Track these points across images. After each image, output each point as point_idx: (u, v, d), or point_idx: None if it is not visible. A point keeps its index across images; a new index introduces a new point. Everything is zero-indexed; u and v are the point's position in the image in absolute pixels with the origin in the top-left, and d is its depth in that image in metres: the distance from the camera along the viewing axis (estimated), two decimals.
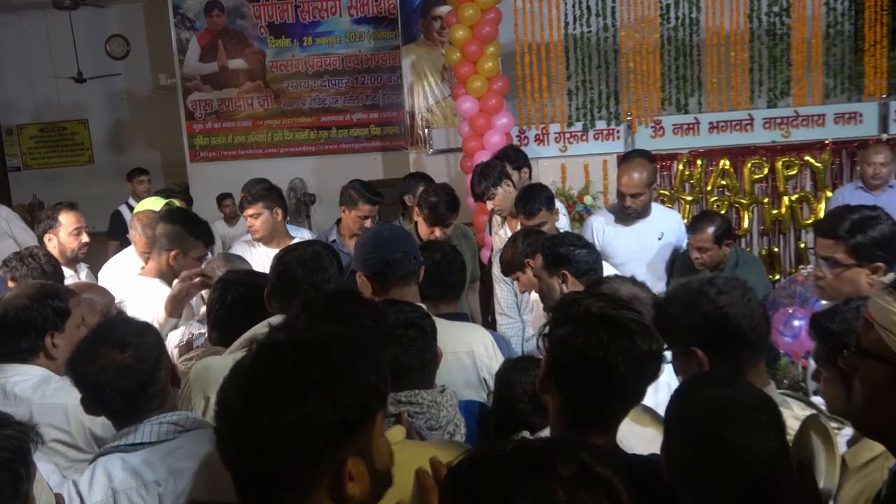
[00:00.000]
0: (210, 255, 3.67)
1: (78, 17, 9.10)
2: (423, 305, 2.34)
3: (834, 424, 1.73)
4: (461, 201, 4.26)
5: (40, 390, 2.24)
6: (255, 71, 8.42)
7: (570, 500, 1.00)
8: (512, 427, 2.14)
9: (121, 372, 1.78)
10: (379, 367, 1.16)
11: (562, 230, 3.78)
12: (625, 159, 4.94)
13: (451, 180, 5.88)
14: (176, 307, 3.17)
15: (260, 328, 2.22)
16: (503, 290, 3.92)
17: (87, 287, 3.02)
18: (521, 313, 3.91)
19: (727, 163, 6.28)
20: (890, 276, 2.16)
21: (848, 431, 1.77)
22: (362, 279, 2.59)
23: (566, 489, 1.01)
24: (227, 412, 1.12)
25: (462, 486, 1.07)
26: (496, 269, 3.84)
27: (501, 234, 4.34)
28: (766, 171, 6.26)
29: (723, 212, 6.01)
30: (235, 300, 2.50)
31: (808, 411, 1.86)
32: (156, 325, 3.11)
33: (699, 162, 6.32)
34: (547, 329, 1.62)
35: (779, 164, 6.22)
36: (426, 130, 7.33)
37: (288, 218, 4.43)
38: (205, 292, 3.21)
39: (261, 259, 3.86)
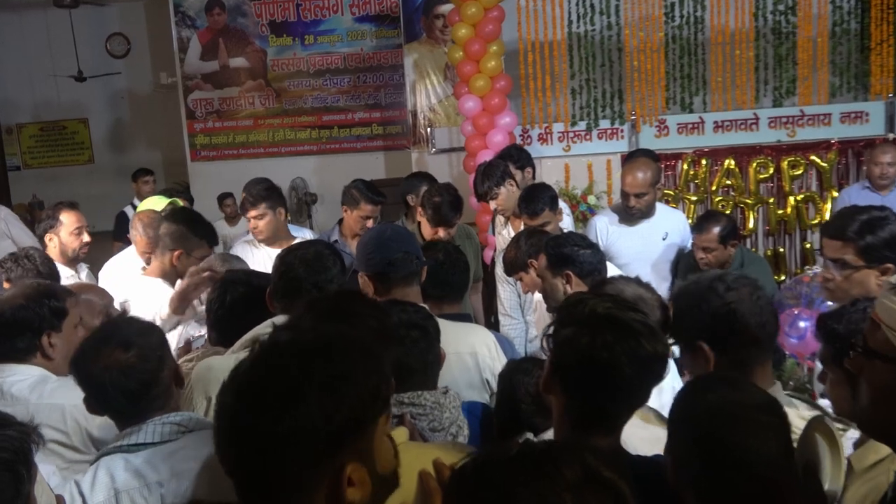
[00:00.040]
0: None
1: (78, 15, 9.11)
2: (426, 306, 2.35)
3: (839, 426, 1.73)
4: (464, 201, 4.26)
5: (37, 390, 2.25)
6: (256, 70, 8.42)
7: None
8: (515, 428, 2.14)
9: (124, 372, 1.79)
10: (381, 369, 1.15)
11: (565, 230, 3.78)
12: (629, 159, 4.94)
13: (454, 180, 5.88)
14: (181, 304, 3.17)
15: (262, 328, 2.23)
16: (506, 290, 3.92)
17: (86, 288, 3.02)
18: (525, 314, 3.91)
19: (732, 162, 6.28)
20: None
21: (854, 434, 1.77)
22: (364, 279, 2.59)
23: (571, 493, 1.00)
24: (227, 413, 1.12)
25: (466, 489, 1.07)
26: (499, 270, 3.84)
27: (504, 234, 4.34)
28: (771, 170, 6.25)
29: (728, 212, 6.00)
30: (235, 300, 2.50)
31: (814, 412, 1.86)
32: (158, 321, 3.13)
33: (704, 161, 6.31)
34: (551, 329, 1.62)
35: (784, 164, 6.22)
36: (428, 130, 7.34)
37: (289, 218, 4.43)
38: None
39: (263, 259, 3.86)
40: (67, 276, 3.87)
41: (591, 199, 6.39)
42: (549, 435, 1.84)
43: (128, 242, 4.16)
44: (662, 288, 4.08)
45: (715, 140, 6.34)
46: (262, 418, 1.06)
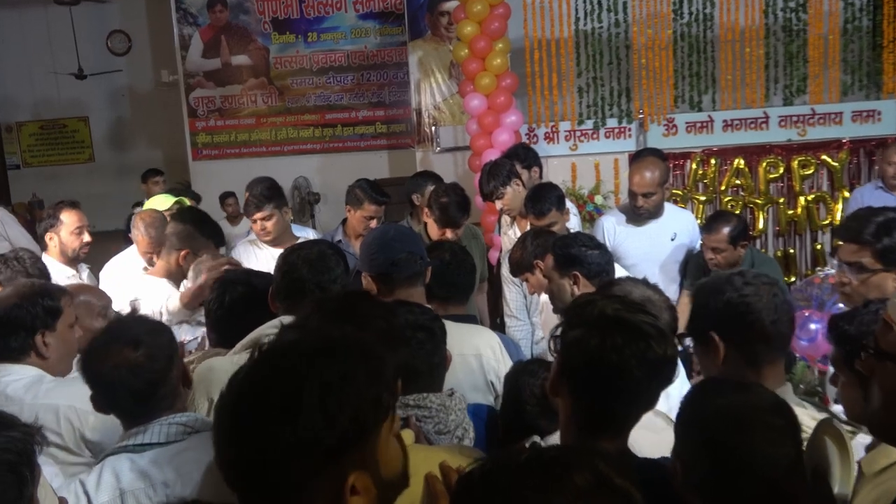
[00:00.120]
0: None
1: (79, 12, 9.15)
2: (431, 307, 2.35)
3: (848, 428, 1.73)
4: (471, 201, 4.26)
5: (32, 390, 2.25)
6: (258, 67, 8.44)
7: None
8: (520, 431, 2.14)
9: (133, 371, 1.80)
10: (383, 376, 1.14)
11: (572, 230, 3.79)
12: (636, 158, 4.93)
13: (459, 179, 5.89)
14: (195, 299, 3.18)
15: (264, 329, 2.23)
16: (512, 291, 3.93)
17: (83, 289, 3.03)
18: (531, 315, 3.92)
19: (741, 162, 6.27)
20: None
21: (866, 438, 1.78)
22: (367, 280, 2.60)
23: (583, 500, 0.99)
24: (227, 415, 1.12)
25: (473, 496, 1.06)
26: (505, 271, 3.85)
27: (511, 234, 4.35)
28: (781, 170, 6.24)
29: (737, 212, 5.99)
30: (234, 300, 2.50)
31: (823, 415, 1.87)
32: (164, 314, 3.14)
33: (713, 161, 6.31)
34: (559, 331, 1.62)
35: (795, 164, 6.21)
36: (433, 128, 7.34)
37: (292, 218, 4.44)
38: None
39: (266, 260, 3.86)
40: (68, 276, 3.88)
41: (598, 199, 6.39)
42: (554, 437, 1.85)
43: None
44: (671, 289, 4.09)
45: (724, 139, 6.33)
46: (261, 425, 1.06)
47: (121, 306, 3.15)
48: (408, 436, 1.68)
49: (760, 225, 6.30)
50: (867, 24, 6.20)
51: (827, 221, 6.19)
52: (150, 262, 3.79)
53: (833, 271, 3.59)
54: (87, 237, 4.05)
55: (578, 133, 6.50)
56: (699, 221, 4.85)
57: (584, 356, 1.52)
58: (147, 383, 1.81)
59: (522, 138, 6.14)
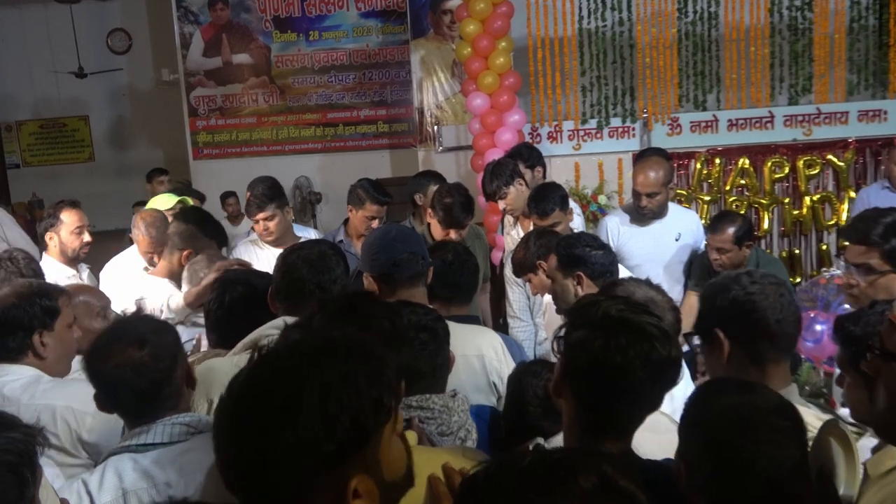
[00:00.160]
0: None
1: (79, 10, 9.17)
2: (433, 307, 2.35)
3: (853, 429, 1.73)
4: (475, 201, 4.26)
5: (29, 391, 2.26)
6: (259, 66, 8.45)
7: None
8: (523, 432, 2.14)
9: (137, 370, 1.80)
10: (384, 377, 1.14)
11: (576, 231, 3.79)
12: (640, 158, 4.94)
13: (462, 179, 5.89)
14: (199, 298, 3.18)
15: (264, 330, 2.23)
16: (515, 292, 3.92)
17: (82, 289, 3.03)
18: (534, 316, 3.92)
19: (746, 161, 6.27)
20: None
21: (872, 440, 1.78)
22: (369, 280, 2.60)
23: (587, 503, 0.99)
24: (221, 429, 1.12)
25: (477, 499, 1.05)
26: (508, 271, 3.85)
27: (514, 234, 4.35)
28: (786, 170, 6.25)
29: (742, 212, 5.99)
30: (234, 300, 2.51)
31: (828, 416, 1.87)
32: (165, 311, 3.14)
33: (717, 161, 6.31)
34: (562, 332, 1.63)
35: (800, 163, 6.21)
36: (435, 127, 7.35)
37: (293, 217, 4.44)
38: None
39: (268, 260, 3.86)
40: (68, 276, 3.88)
41: (602, 199, 6.39)
42: (558, 438, 1.85)
43: None
44: (675, 290, 4.09)
45: (729, 139, 6.34)
46: (261, 427, 1.06)
47: (121, 306, 3.16)
48: (411, 437, 1.68)
49: (765, 225, 6.30)
50: (873, 22, 6.20)
51: (832, 222, 6.20)
52: (151, 262, 3.80)
53: (838, 272, 3.59)
54: (87, 237, 4.05)
55: (582, 132, 6.51)
56: (704, 222, 4.84)
57: (588, 357, 1.53)
58: (151, 383, 1.82)
59: (525, 138, 6.14)
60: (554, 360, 1.72)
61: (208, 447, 1.77)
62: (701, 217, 5.65)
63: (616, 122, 6.49)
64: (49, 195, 8.76)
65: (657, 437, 1.76)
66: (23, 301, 2.34)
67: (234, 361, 2.18)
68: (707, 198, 6.33)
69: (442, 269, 2.73)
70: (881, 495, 1.53)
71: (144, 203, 6.56)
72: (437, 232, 4.01)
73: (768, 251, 6.11)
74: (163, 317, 3.11)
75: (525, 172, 4.38)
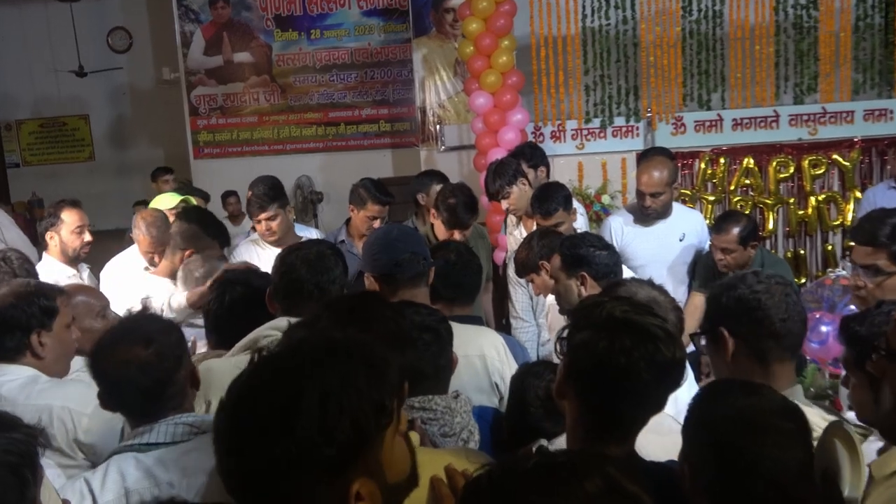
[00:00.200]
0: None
1: (79, 8, 9.18)
2: (436, 308, 2.35)
3: (859, 430, 1.73)
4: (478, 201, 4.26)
5: (26, 391, 2.26)
6: (261, 65, 8.46)
7: None
8: (525, 433, 2.15)
9: (142, 368, 1.81)
10: (386, 380, 1.13)
11: (579, 231, 3.79)
12: (644, 157, 4.94)
13: (464, 178, 5.89)
14: (202, 298, 3.18)
15: (262, 331, 2.24)
16: (518, 293, 3.93)
17: (81, 289, 3.04)
18: (537, 317, 3.92)
19: (751, 161, 6.26)
20: None
21: (878, 443, 1.78)
22: (370, 280, 2.61)
23: None
24: (221, 436, 1.12)
25: (482, 503, 1.05)
26: (511, 272, 3.85)
27: (517, 234, 4.35)
28: (791, 169, 6.24)
29: (746, 212, 5.99)
30: (234, 300, 2.52)
31: (834, 416, 1.87)
32: (166, 309, 3.15)
33: (722, 160, 6.30)
34: (565, 333, 1.63)
35: (805, 163, 6.20)
36: (438, 127, 7.35)
37: (295, 217, 4.44)
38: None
39: (269, 259, 3.82)
40: (69, 276, 3.88)
41: (606, 199, 6.39)
42: (561, 440, 1.85)
43: None
44: (679, 291, 4.08)
45: (733, 138, 6.33)
46: (260, 435, 1.06)
47: (122, 306, 3.16)
48: (413, 438, 1.69)
49: (770, 225, 6.30)
50: (879, 21, 6.19)
51: (838, 222, 6.19)
52: (152, 262, 3.80)
53: (844, 273, 3.59)
54: (88, 236, 4.06)
55: (585, 132, 6.51)
56: (708, 222, 4.84)
57: (593, 358, 1.53)
58: (155, 382, 1.82)
59: (528, 137, 6.15)
60: (557, 361, 1.72)
61: (211, 448, 1.79)
62: (705, 217, 5.65)
63: (620, 121, 6.49)
64: (49, 194, 8.78)
65: (660, 438, 1.76)
66: (21, 301, 2.35)
67: (232, 362, 2.18)
68: (711, 198, 6.33)
69: (445, 269, 2.73)
70: (886, 497, 1.53)
71: (145, 202, 6.57)
72: (441, 232, 4.01)
73: (773, 252, 6.10)
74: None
75: (528, 172, 4.39)
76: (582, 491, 1.00)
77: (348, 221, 4.36)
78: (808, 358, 3.10)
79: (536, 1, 6.31)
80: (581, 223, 4.28)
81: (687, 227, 4.27)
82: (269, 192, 4.01)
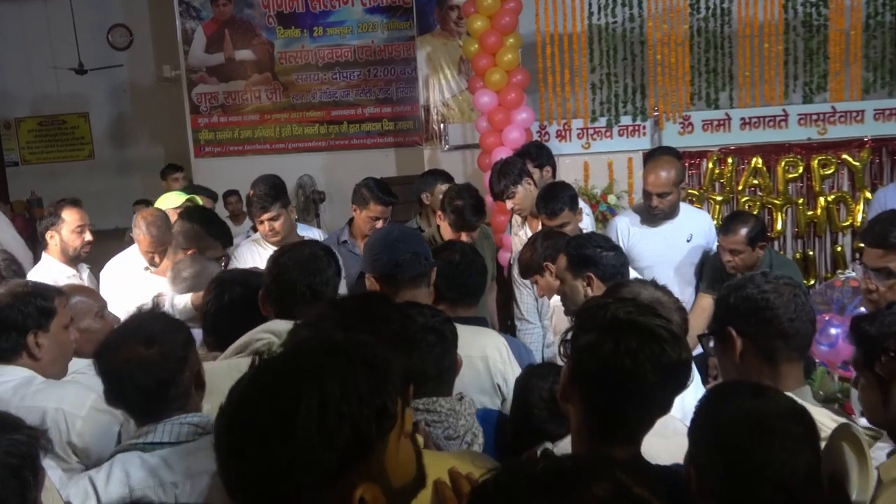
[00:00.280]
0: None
1: (79, 5, 9.19)
2: (439, 308, 2.36)
3: (868, 433, 1.74)
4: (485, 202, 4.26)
5: (20, 392, 2.26)
6: (262, 62, 8.47)
7: None
8: (529, 436, 2.15)
9: (143, 367, 1.82)
10: (389, 383, 1.13)
11: (585, 231, 3.79)
12: (651, 157, 4.94)
13: (468, 178, 5.90)
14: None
15: (255, 334, 2.24)
16: (524, 294, 3.93)
17: (79, 290, 3.04)
18: (542, 318, 3.93)
19: (760, 161, 6.25)
20: None
21: (887, 445, 1.78)
22: (371, 281, 2.62)
23: None
24: (221, 441, 1.12)
25: None
26: (516, 273, 3.85)
27: (521, 234, 4.35)
28: (800, 169, 6.23)
29: (755, 213, 5.98)
30: (234, 301, 2.53)
31: (843, 418, 1.87)
32: (169, 309, 3.16)
33: (730, 160, 6.30)
34: (570, 334, 1.63)
35: (814, 163, 6.19)
36: (442, 125, 7.34)
37: (296, 216, 4.44)
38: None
39: None
40: (68, 276, 3.90)
41: (612, 199, 6.38)
42: (565, 442, 1.86)
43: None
44: (686, 292, 4.08)
45: (742, 137, 6.32)
46: (260, 442, 1.06)
47: (122, 307, 3.17)
48: (418, 440, 1.69)
49: (779, 226, 6.28)
50: (890, 19, 6.17)
51: (847, 223, 6.18)
52: (152, 262, 3.81)
53: (854, 274, 3.59)
54: (88, 236, 4.06)
55: (591, 131, 6.50)
56: (716, 222, 4.84)
57: (598, 360, 1.53)
58: (157, 381, 1.84)
59: (533, 136, 6.14)
60: (561, 363, 1.73)
61: None
62: (713, 217, 5.64)
63: (626, 120, 6.48)
64: (48, 193, 8.79)
65: (665, 441, 1.76)
66: (17, 301, 2.35)
67: (227, 364, 2.19)
68: (719, 198, 6.32)
69: (449, 269, 2.73)
70: (894, 501, 1.54)
71: (145, 201, 6.59)
72: (448, 234, 4.02)
73: (782, 253, 6.09)
74: None
75: (534, 172, 4.39)
76: (591, 496, 0.99)
77: (351, 222, 4.36)
78: (816, 361, 3.10)
79: None
80: (587, 223, 4.28)
81: (694, 228, 4.27)
82: (271, 192, 4.01)
